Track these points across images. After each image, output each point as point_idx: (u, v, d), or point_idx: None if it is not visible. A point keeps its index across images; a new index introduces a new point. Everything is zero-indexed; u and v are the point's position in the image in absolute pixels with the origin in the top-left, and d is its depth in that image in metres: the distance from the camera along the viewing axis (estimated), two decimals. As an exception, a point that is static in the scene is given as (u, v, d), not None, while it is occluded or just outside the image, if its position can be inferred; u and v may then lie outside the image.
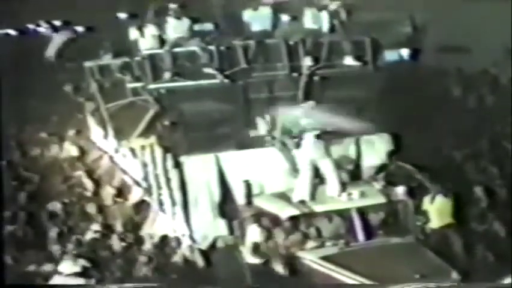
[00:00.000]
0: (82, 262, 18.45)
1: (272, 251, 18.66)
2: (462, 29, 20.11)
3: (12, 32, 20.40)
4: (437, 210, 18.82)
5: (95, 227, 18.96)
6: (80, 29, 20.57)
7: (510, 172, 19.60)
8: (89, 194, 19.48)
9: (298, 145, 19.42)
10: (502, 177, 19.56)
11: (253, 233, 18.70)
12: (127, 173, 19.62)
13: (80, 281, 18.21)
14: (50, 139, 20.01)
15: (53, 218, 19.13)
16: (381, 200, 19.12)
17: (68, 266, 18.41)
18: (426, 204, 18.94)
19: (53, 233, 18.87)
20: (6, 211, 19.00)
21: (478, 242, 18.68)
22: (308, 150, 19.38)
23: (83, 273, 18.37)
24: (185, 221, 19.00)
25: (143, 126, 19.86)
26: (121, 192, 19.48)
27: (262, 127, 19.89)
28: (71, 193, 19.47)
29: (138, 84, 20.32)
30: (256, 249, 18.57)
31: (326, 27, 20.95)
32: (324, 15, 20.94)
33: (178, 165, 19.51)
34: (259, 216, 19.05)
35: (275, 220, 18.99)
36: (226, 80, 20.30)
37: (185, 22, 20.75)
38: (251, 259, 18.51)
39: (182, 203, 19.15)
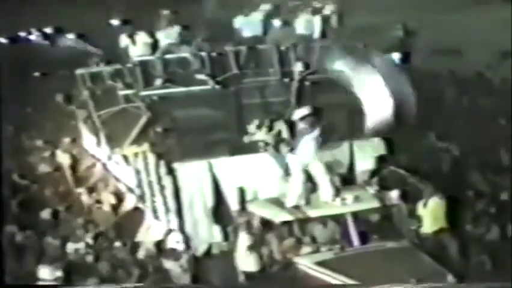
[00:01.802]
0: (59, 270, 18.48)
1: (267, 256, 18.63)
2: (454, 32, 20.14)
3: (3, 40, 20.30)
4: (430, 214, 18.83)
5: (89, 234, 18.90)
6: (71, 36, 20.48)
7: (505, 174, 19.64)
8: (82, 201, 19.37)
9: (291, 150, 19.41)
10: (497, 179, 19.59)
11: (242, 243, 18.72)
12: (121, 180, 19.56)
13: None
14: (43, 147, 19.93)
15: (47, 225, 19.05)
16: (375, 204, 19.12)
17: (47, 272, 18.35)
18: (420, 208, 18.94)
19: (46, 239, 18.82)
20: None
21: (474, 245, 18.72)
22: (300, 154, 19.37)
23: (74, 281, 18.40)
24: (179, 228, 18.96)
25: (135, 133, 19.79)
26: (115, 199, 19.38)
27: (256, 133, 19.89)
28: (64, 201, 19.39)
29: (130, 91, 20.24)
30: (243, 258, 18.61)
31: (317, 32, 20.94)
32: (316, 21, 20.92)
33: (171, 172, 19.44)
34: (253, 222, 19.01)
35: (269, 226, 18.97)
36: (217, 86, 20.27)
37: (177, 28, 20.71)
38: (245, 266, 18.49)
39: (176, 209, 19.10)
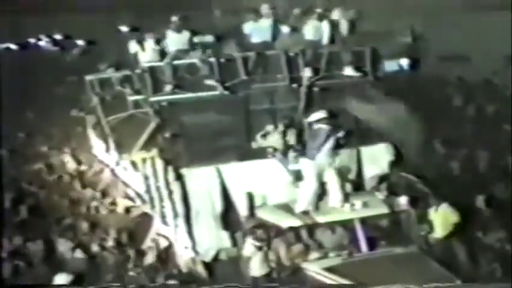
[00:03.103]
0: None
1: (275, 262, 18.62)
2: (462, 38, 20.15)
3: (13, 46, 20.39)
4: (441, 220, 18.76)
5: (98, 239, 18.93)
6: (81, 42, 20.56)
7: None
8: (91, 206, 19.42)
9: (303, 155, 19.40)
10: (504, 186, 19.53)
11: (248, 247, 18.71)
12: (129, 186, 19.58)
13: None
14: (51, 153, 19.98)
15: (55, 232, 19.09)
16: (384, 210, 19.08)
17: (55, 279, 18.37)
18: (432, 213, 18.87)
19: (54, 246, 18.86)
20: (7, 224, 18.97)
21: (482, 252, 18.65)
22: (320, 160, 19.36)
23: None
24: (187, 233, 18.92)
25: (144, 139, 19.85)
26: (124, 204, 19.42)
27: (271, 138, 19.91)
28: (73, 206, 19.42)
29: (139, 97, 20.33)
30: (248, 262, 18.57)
31: (326, 38, 20.96)
32: (325, 26, 20.95)
33: (179, 177, 19.47)
34: (261, 227, 19.00)
35: (278, 231, 18.96)
36: (226, 92, 20.31)
37: (186, 34, 20.79)
38: (254, 271, 18.48)
39: (185, 215, 19.08)
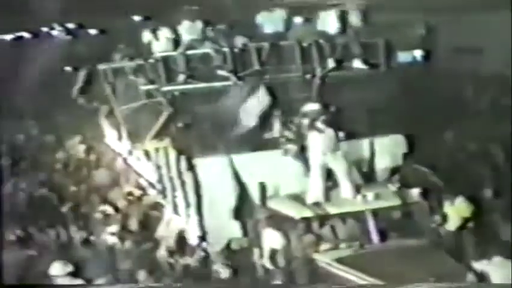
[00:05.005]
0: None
1: (287, 253, 18.66)
2: (475, 30, 20.06)
3: (26, 34, 20.40)
4: (456, 214, 18.75)
5: (110, 229, 19.00)
6: (94, 31, 20.56)
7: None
8: (103, 195, 19.50)
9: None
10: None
11: (272, 239, 18.67)
12: (141, 175, 19.63)
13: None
14: (63, 142, 20.02)
15: (66, 221, 19.18)
16: (396, 202, 19.09)
17: (59, 268, 18.50)
18: (447, 206, 18.85)
19: (66, 234, 18.98)
20: (20, 213, 19.11)
21: (493, 244, 18.64)
22: (319, 149, 19.35)
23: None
24: (199, 223, 19.02)
25: (157, 129, 19.88)
26: (135, 194, 19.49)
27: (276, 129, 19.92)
28: (85, 195, 19.51)
29: (152, 87, 20.34)
30: (274, 255, 18.55)
31: (339, 29, 20.92)
32: (338, 18, 20.89)
33: (192, 167, 19.51)
34: (273, 218, 19.03)
35: (290, 222, 18.98)
36: (239, 82, 20.30)
37: (199, 24, 20.77)
38: (268, 263, 18.50)
39: (197, 205, 19.16)
